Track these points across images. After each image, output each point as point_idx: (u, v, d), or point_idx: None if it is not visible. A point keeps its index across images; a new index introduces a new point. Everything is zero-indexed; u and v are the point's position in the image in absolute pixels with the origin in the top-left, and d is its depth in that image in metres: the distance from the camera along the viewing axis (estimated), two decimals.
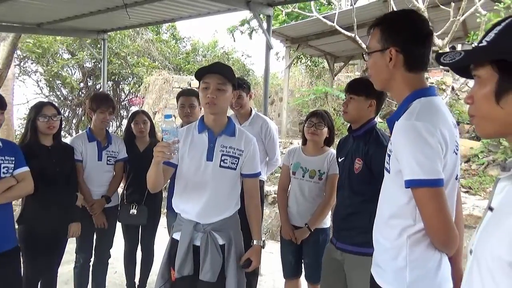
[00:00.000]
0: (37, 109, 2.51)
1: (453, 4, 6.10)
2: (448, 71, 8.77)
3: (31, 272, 2.53)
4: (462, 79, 6.63)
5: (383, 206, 1.41)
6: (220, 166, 1.95)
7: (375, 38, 1.37)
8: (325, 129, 2.62)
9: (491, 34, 0.82)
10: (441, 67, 10.72)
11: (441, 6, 6.05)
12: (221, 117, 2.00)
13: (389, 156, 1.34)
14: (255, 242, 2.04)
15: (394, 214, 1.33)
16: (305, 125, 2.67)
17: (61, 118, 2.66)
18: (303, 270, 2.74)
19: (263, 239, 2.11)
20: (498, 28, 0.81)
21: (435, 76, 9.56)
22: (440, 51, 1.18)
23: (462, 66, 0.90)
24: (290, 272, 2.72)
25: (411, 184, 1.21)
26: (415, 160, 1.19)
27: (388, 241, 1.36)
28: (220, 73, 1.90)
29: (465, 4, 5.72)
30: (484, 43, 0.83)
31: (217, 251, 1.93)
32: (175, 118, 1.75)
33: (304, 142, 2.74)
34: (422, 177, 1.19)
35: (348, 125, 2.17)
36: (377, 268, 1.43)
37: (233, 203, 2.04)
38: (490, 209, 0.84)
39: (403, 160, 1.23)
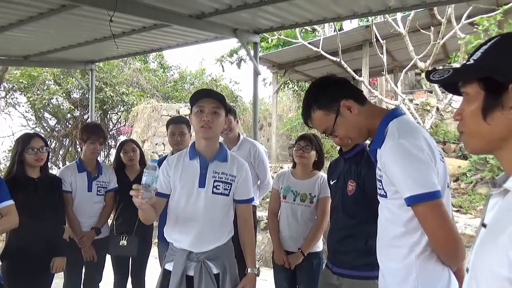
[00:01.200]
0: (25, 142, 2.47)
1: (432, 28, 6.31)
2: (432, 92, 8.98)
3: None
4: (446, 100, 6.77)
5: (385, 229, 1.41)
6: (213, 192, 1.92)
7: (321, 118, 1.46)
8: (313, 152, 2.63)
9: (478, 53, 0.84)
10: (424, 88, 10.99)
11: (422, 30, 6.24)
12: (214, 142, 1.99)
13: (380, 181, 1.36)
14: (249, 270, 2.00)
15: (399, 234, 1.34)
16: (294, 148, 2.69)
17: (49, 149, 2.63)
18: None
19: (257, 266, 2.06)
20: (485, 47, 0.84)
21: (419, 97, 9.77)
22: (427, 70, 1.24)
23: (451, 83, 0.92)
24: None
25: (410, 200, 1.22)
26: (409, 177, 1.22)
27: (396, 263, 1.35)
28: (215, 97, 1.92)
29: (444, 28, 5.92)
30: (472, 61, 0.85)
31: (211, 280, 1.87)
32: (158, 168, 1.70)
33: (294, 165, 2.74)
34: (419, 191, 1.20)
35: (339, 148, 2.17)
36: None
37: (227, 230, 2.00)
38: (484, 225, 0.84)
39: (398, 179, 1.26)
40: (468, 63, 0.86)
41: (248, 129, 10.75)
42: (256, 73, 4.16)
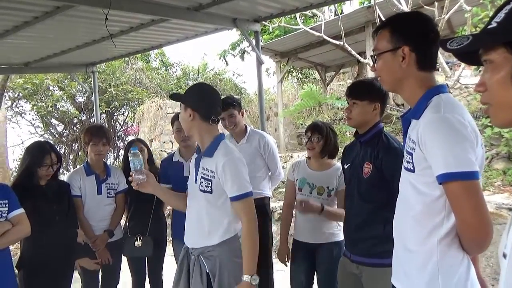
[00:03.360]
0: (39, 158, 2.45)
1: (436, 3, 6.15)
2: (439, 70, 8.81)
3: None
4: (455, 76, 6.63)
5: (406, 206, 1.32)
6: (200, 190, 1.88)
7: (385, 39, 1.34)
8: (321, 142, 2.49)
9: (501, 14, 0.76)
10: None
11: (425, 6, 6.09)
12: (196, 138, 1.98)
13: (410, 154, 1.27)
14: (244, 278, 1.77)
15: (421, 213, 1.25)
16: (304, 140, 2.61)
17: (61, 161, 2.61)
18: None
19: (254, 274, 1.80)
20: (508, 7, 0.75)
21: None
22: (442, 39, 1.13)
23: (470, 52, 0.84)
24: None
25: (445, 178, 1.14)
26: (450, 153, 1.13)
27: (415, 245, 1.27)
28: (175, 99, 2.02)
29: (448, 2, 5.76)
30: (494, 24, 0.77)
31: (200, 277, 1.83)
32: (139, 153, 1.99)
33: (309, 156, 2.66)
34: (457, 169, 1.11)
35: (354, 131, 2.10)
36: (402, 278, 1.34)
37: (220, 230, 1.85)
38: None
39: (435, 155, 1.16)
40: (490, 27, 0.77)
41: (255, 121, 10.69)
42: (260, 62, 4.08)
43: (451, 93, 8.15)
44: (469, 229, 1.15)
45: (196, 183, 1.90)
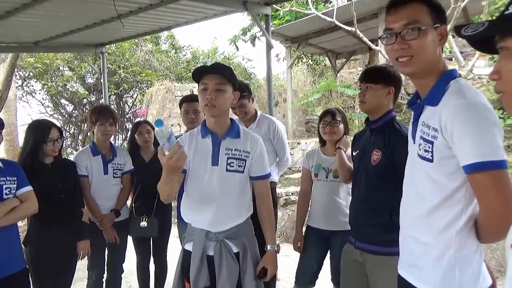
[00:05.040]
0: (44, 133, 2.43)
1: None
2: (452, 60, 8.64)
3: None
4: (468, 66, 6.49)
5: (419, 199, 1.27)
6: (227, 170, 1.85)
7: (423, 12, 1.19)
8: (341, 126, 2.53)
9: None
10: (443, 56, 10.59)
11: None
12: (223, 119, 1.90)
13: (430, 143, 1.19)
14: (269, 247, 1.93)
15: (438, 207, 1.20)
16: (320, 125, 2.58)
17: (63, 138, 2.60)
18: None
19: (277, 242, 2.01)
20: None
21: None
22: (456, 25, 1.06)
23: (485, 39, 0.81)
24: (308, 278, 2.55)
25: (474, 168, 1.08)
26: (481, 142, 1.07)
27: (431, 237, 1.23)
28: (219, 73, 1.80)
29: None
30: (511, 10, 0.74)
31: (232, 260, 1.83)
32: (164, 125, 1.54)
33: (323, 143, 2.63)
34: (487, 159, 1.06)
35: (365, 118, 2.07)
36: (414, 270, 1.30)
37: (245, 208, 1.93)
38: None
39: (464, 143, 1.09)
40: (507, 12, 0.75)
41: (263, 106, 10.65)
42: (269, 47, 4.03)
43: None
44: (496, 219, 1.11)
45: (217, 164, 1.84)
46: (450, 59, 9.04)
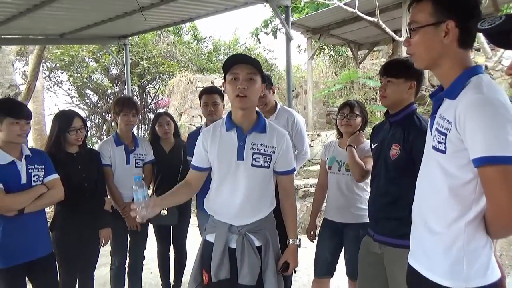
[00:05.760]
0: (68, 123, 2.52)
1: None
2: (479, 50, 8.36)
3: (66, 277, 2.57)
4: (496, 57, 6.28)
5: (431, 189, 1.29)
6: (252, 165, 1.83)
7: (425, 11, 1.23)
8: (358, 119, 2.51)
9: None
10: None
11: None
12: (251, 112, 1.86)
13: (444, 134, 1.21)
14: (291, 241, 1.93)
15: (449, 198, 1.21)
16: (338, 117, 2.58)
17: (86, 128, 2.67)
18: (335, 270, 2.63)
19: (299, 237, 2.00)
20: None
21: None
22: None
23: (503, 33, 0.80)
24: (324, 269, 2.58)
25: (483, 161, 1.09)
26: (492, 136, 1.07)
27: (440, 228, 1.25)
28: (250, 63, 1.77)
29: None
30: None
31: (254, 253, 1.83)
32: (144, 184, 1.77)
33: (340, 135, 2.63)
34: (497, 153, 1.06)
35: (385, 110, 2.05)
36: (423, 260, 1.32)
37: (268, 202, 1.93)
38: None
39: (475, 136, 1.10)
40: None
41: (283, 97, 10.61)
42: (289, 39, 4.01)
43: (491, 75, 7.76)
44: (503, 215, 1.11)
45: (242, 159, 1.83)
46: (478, 50, 8.76)
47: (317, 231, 2.72)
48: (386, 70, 1.97)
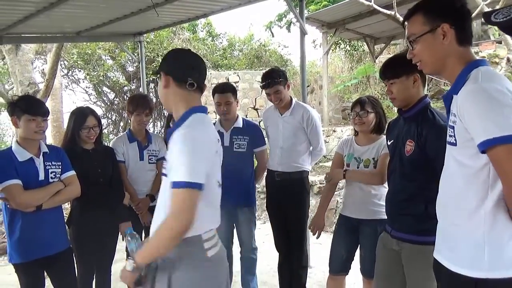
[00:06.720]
0: (81, 121, 2.56)
1: None
2: (501, 43, 8.13)
3: (84, 272, 2.61)
4: None
5: (450, 184, 1.33)
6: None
7: (419, 23, 1.35)
8: (371, 116, 2.46)
9: None
10: (492, 39, 9.99)
11: None
12: (173, 110, 1.67)
13: (452, 128, 1.28)
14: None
15: (465, 189, 1.25)
16: (351, 116, 2.56)
17: (101, 126, 2.70)
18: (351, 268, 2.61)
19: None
20: None
21: (486, 49, 8.88)
22: (485, 12, 1.19)
23: None
24: (339, 266, 2.56)
25: (486, 144, 1.13)
26: (489, 120, 1.14)
27: (460, 220, 1.27)
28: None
29: None
30: None
31: None
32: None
33: (356, 132, 2.61)
34: (499, 134, 1.11)
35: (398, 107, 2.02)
36: (446, 252, 1.33)
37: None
38: None
39: (475, 124, 1.17)
40: None
41: (298, 93, 10.54)
42: (303, 33, 3.96)
43: None
44: None
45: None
46: (500, 42, 8.52)
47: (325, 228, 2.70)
48: (385, 73, 1.97)
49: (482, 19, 0.93)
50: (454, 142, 1.27)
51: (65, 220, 2.50)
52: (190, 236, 1.43)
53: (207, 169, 1.42)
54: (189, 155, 1.38)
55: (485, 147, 1.13)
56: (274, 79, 2.83)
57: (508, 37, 6.39)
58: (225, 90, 2.94)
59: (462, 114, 1.21)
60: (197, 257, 1.49)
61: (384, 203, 2.39)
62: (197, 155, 1.40)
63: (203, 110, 1.59)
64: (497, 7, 5.59)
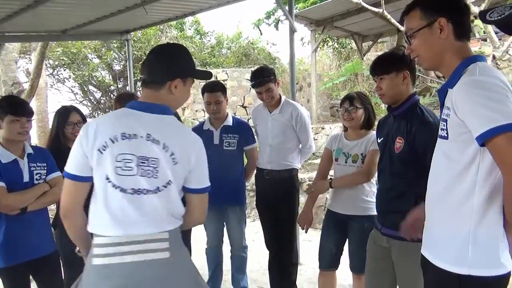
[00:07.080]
0: (64, 117, 2.52)
1: None
2: (486, 40, 8.25)
3: (71, 275, 2.55)
4: (504, 47, 6.19)
5: (437, 179, 1.33)
6: None
7: (416, 18, 1.35)
8: (360, 111, 2.47)
9: None
10: (478, 36, 10.13)
11: None
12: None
13: (445, 121, 1.26)
14: None
15: (452, 183, 1.24)
16: (340, 112, 2.57)
17: (86, 121, 2.65)
18: (340, 263, 2.61)
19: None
20: None
21: (471, 46, 8.98)
22: (481, 10, 1.15)
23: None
24: (328, 262, 2.57)
25: (485, 136, 1.10)
26: (487, 109, 1.11)
27: (448, 212, 1.26)
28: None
29: None
30: None
31: None
32: None
33: (345, 128, 2.61)
34: (499, 123, 1.08)
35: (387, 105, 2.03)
36: (432, 248, 1.33)
37: None
38: None
39: (472, 115, 1.15)
40: None
41: (287, 91, 10.56)
42: (292, 31, 3.95)
43: (499, 65, 7.65)
44: None
45: None
46: (485, 40, 8.64)
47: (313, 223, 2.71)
48: (375, 68, 1.98)
49: (479, 18, 0.93)
50: (446, 135, 1.26)
51: (51, 222, 2.45)
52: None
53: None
54: None
55: (484, 138, 1.10)
56: (265, 77, 2.82)
57: (493, 34, 6.48)
58: (215, 89, 2.91)
59: (457, 107, 1.19)
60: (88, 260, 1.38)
61: (371, 199, 2.42)
62: None
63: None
64: (483, 5, 5.67)
